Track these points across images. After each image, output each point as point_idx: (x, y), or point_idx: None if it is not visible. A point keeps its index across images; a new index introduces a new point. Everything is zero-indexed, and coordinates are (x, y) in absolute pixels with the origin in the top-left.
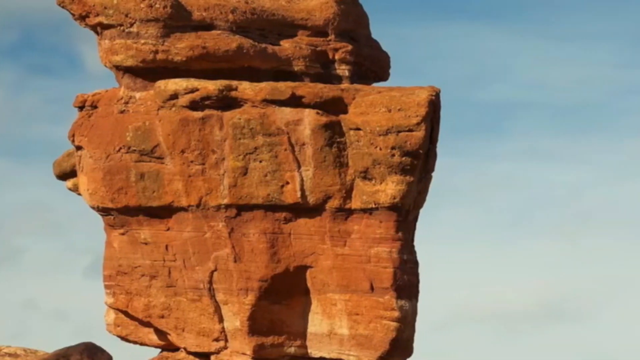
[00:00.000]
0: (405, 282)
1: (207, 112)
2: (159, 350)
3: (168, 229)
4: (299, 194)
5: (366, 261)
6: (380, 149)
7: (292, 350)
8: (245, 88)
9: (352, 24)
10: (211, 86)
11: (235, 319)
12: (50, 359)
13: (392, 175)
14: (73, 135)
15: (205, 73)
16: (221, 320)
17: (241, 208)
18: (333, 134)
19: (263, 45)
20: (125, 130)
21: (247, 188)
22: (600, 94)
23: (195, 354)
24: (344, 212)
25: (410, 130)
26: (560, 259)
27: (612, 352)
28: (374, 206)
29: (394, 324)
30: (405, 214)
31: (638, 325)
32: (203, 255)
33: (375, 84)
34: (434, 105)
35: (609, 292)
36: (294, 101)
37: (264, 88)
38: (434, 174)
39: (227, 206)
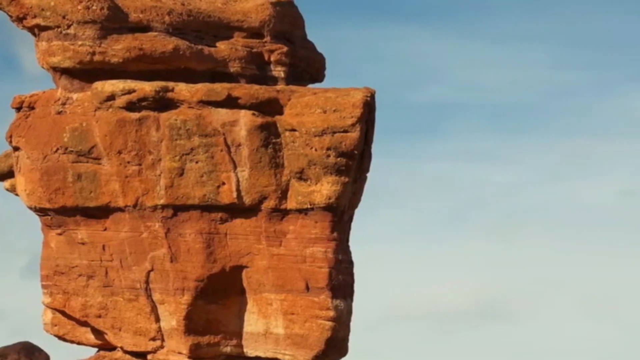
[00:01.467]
0: (341, 282)
1: (143, 113)
2: (96, 349)
3: (105, 229)
4: (235, 194)
5: (301, 261)
6: (316, 150)
7: (228, 349)
8: (182, 89)
9: (287, 25)
10: (148, 87)
11: (171, 319)
12: None
13: (327, 175)
14: (10, 136)
15: (142, 74)
16: (158, 319)
17: (177, 208)
18: (269, 135)
19: (199, 47)
20: (62, 131)
21: (184, 188)
22: (534, 95)
23: (132, 353)
24: (280, 213)
25: (345, 131)
26: (494, 259)
27: (544, 351)
28: (309, 206)
29: (329, 324)
30: (340, 214)
31: (570, 324)
32: (140, 255)
33: (310, 85)
34: (369, 107)
35: (542, 292)
36: (230, 102)
37: (200, 89)
38: (369, 175)
39: (164, 206)
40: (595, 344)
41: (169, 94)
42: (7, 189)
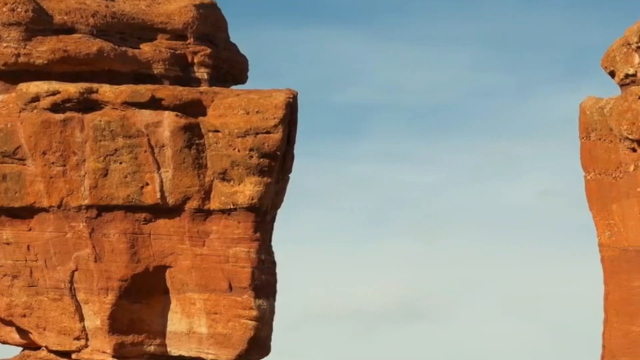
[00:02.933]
0: (263, 282)
1: (68, 114)
2: (21, 349)
3: (30, 230)
4: (158, 195)
5: (224, 261)
6: (239, 151)
7: (151, 348)
8: (106, 91)
9: (210, 27)
10: (72, 89)
11: (95, 318)
12: None
13: (250, 176)
14: None
15: (66, 76)
16: (82, 319)
17: (102, 209)
18: (192, 136)
19: (123, 49)
20: None
21: (108, 189)
22: (454, 96)
23: (56, 352)
24: (203, 213)
25: (268, 132)
26: (416, 259)
27: (466, 350)
28: (232, 207)
29: (252, 323)
30: (263, 214)
31: (490, 323)
32: (64, 255)
33: (233, 87)
34: (291, 108)
35: (463, 292)
36: (154, 104)
37: (124, 91)
38: (291, 175)
39: (88, 207)
40: (515, 342)
41: (93, 96)
42: None
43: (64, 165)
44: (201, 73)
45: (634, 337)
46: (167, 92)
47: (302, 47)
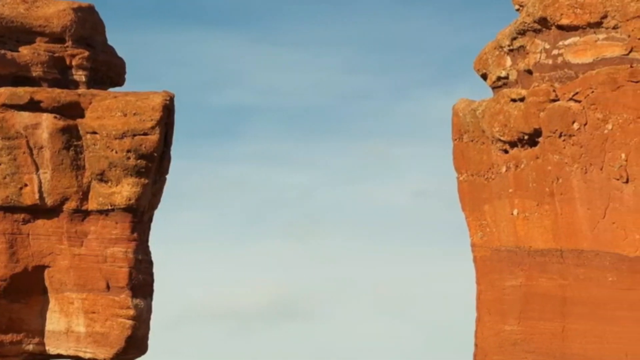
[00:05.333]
0: (140, 282)
1: None
2: None
3: None
4: (37, 195)
5: (102, 261)
6: (116, 152)
7: (30, 347)
8: None
9: (88, 30)
10: None
11: None
12: None
13: (127, 177)
14: None
15: None
16: None
17: None
18: (70, 138)
19: (2, 52)
20: None
21: None
22: (329, 98)
23: None
24: (81, 214)
25: (145, 134)
26: (292, 259)
27: (342, 348)
28: (110, 207)
29: (130, 322)
30: (140, 215)
31: (365, 321)
32: None
33: (111, 89)
34: (168, 110)
35: (339, 291)
36: (33, 106)
37: (3, 93)
38: (168, 176)
39: None
40: (389, 341)
41: None
42: None
43: None
44: (79, 75)
45: (505, 336)
46: (46, 94)
47: (179, 50)
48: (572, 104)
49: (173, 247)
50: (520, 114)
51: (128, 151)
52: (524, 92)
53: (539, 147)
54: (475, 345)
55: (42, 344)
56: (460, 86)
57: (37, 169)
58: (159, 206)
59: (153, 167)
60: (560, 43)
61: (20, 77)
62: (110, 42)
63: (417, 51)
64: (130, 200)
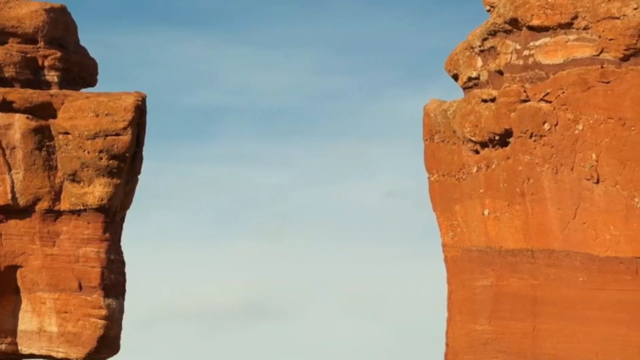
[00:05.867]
0: (113, 281)
1: None
2: None
3: None
4: (9, 195)
5: (74, 261)
6: (89, 153)
7: (2, 347)
8: None
9: (61, 31)
10: None
11: None
12: None
13: (99, 177)
14: None
15: None
16: None
17: None
18: (42, 138)
19: None
20: None
21: None
22: (301, 99)
23: None
24: (53, 214)
25: (117, 134)
26: (264, 259)
27: (313, 348)
28: (82, 208)
29: (102, 322)
30: (112, 215)
31: (337, 322)
32: None
33: (83, 90)
34: (140, 110)
35: (310, 291)
36: (5, 106)
37: None
38: (140, 177)
39: None
40: (360, 340)
41: None
42: None
43: None
44: (51, 76)
45: (476, 336)
46: (18, 95)
47: (152, 50)
48: (542, 104)
49: (145, 247)
50: (491, 115)
51: (100, 151)
52: (494, 93)
53: (510, 148)
54: (446, 345)
55: (15, 343)
56: (432, 87)
57: (10, 169)
58: (131, 206)
59: (125, 167)
60: (531, 44)
61: None
62: (82, 43)
63: (389, 52)
64: (102, 200)
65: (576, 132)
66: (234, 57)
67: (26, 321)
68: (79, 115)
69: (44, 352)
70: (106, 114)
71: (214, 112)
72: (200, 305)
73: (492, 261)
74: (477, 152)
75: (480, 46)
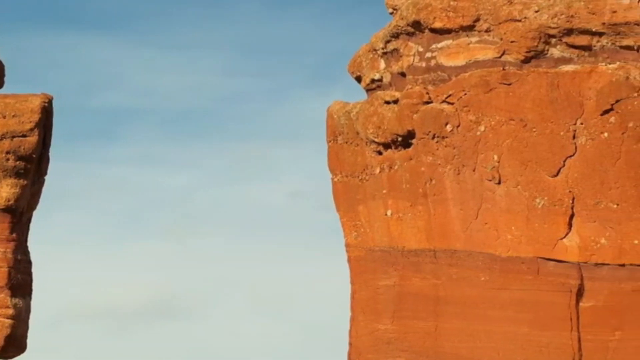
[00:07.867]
0: (20, 281)
1: None
2: None
3: None
4: None
5: None
6: None
7: None
8: None
9: None
10: None
11: None
12: None
13: (6, 178)
14: None
15: None
16: None
17: None
18: None
19: None
20: None
21: None
22: (207, 100)
23: None
24: None
25: (24, 136)
26: (170, 259)
27: (219, 348)
28: None
29: (9, 321)
30: (19, 215)
31: (244, 322)
32: None
33: None
34: (46, 112)
35: (217, 291)
36: None
37: None
38: (47, 178)
39: None
40: (266, 341)
41: None
42: None
43: None
44: None
45: (379, 335)
46: None
47: (59, 53)
48: (445, 106)
49: (52, 247)
50: (394, 116)
51: (7, 152)
52: (397, 95)
53: (413, 149)
54: (350, 344)
55: None
56: (336, 89)
57: None
58: (38, 207)
59: (32, 168)
60: (434, 46)
61: None
62: None
63: (294, 54)
64: (9, 201)
65: (478, 133)
66: (141, 59)
67: None
68: None
69: None
70: (13, 116)
71: (121, 114)
72: (108, 305)
73: (395, 261)
74: (380, 153)
75: (383, 48)
